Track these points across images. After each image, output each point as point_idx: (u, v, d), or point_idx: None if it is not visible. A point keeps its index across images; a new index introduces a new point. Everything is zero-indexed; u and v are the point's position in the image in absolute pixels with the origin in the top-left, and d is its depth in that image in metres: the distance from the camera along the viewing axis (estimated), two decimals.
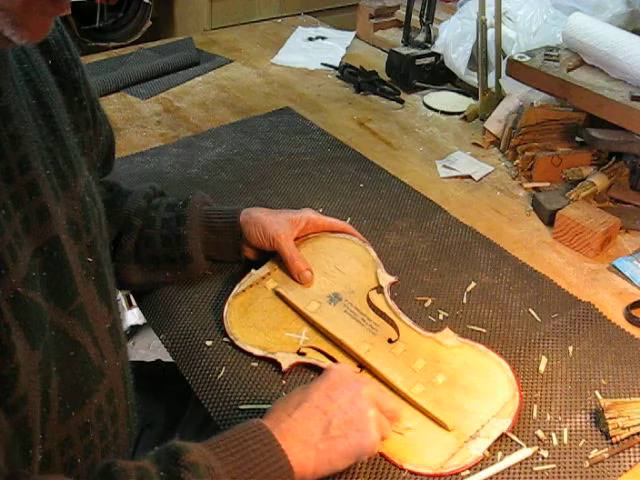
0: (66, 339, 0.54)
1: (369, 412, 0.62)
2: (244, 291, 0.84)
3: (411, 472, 0.66)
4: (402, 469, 0.66)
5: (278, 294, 0.83)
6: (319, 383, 0.64)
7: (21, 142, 0.52)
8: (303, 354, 0.77)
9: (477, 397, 0.71)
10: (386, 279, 0.85)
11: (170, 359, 0.83)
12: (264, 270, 0.86)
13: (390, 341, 0.77)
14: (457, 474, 0.66)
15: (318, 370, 0.76)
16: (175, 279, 0.88)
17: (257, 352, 0.77)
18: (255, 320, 0.81)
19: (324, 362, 0.75)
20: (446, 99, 1.44)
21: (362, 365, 0.75)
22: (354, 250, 0.89)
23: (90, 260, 0.59)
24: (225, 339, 0.81)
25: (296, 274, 0.84)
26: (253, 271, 0.86)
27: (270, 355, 0.77)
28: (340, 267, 0.87)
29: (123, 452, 0.64)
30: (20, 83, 0.56)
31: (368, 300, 0.82)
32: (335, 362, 0.75)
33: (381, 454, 0.67)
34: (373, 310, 0.81)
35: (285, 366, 0.75)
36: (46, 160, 0.55)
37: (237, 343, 0.79)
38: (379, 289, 0.83)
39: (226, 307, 0.82)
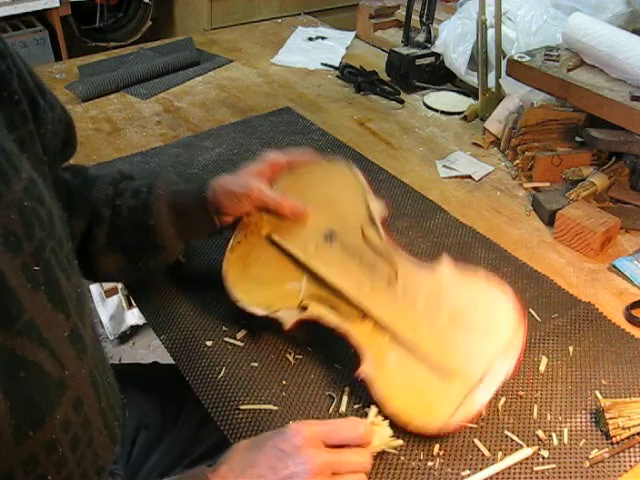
0: (14, 361, 0.51)
1: None
2: (239, 242, 0.81)
3: (418, 433, 0.67)
4: (409, 430, 0.68)
5: (273, 241, 0.80)
6: (272, 445, 0.62)
7: None
8: (305, 308, 0.75)
9: (481, 335, 0.69)
10: (378, 209, 0.78)
11: (167, 361, 0.83)
12: (256, 215, 0.82)
13: (390, 280, 0.75)
14: (460, 429, 0.67)
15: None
16: (149, 268, 0.85)
17: (260, 312, 0.76)
18: (255, 274, 0.79)
19: (326, 316, 0.74)
20: (446, 99, 1.44)
21: (364, 312, 0.74)
22: (342, 177, 0.82)
23: (37, 269, 0.54)
24: (225, 339, 0.81)
25: (289, 214, 0.80)
26: (245, 218, 0.81)
27: (273, 315, 0.75)
28: (331, 200, 0.81)
29: (105, 454, 0.61)
30: None
31: (364, 235, 0.78)
32: (338, 313, 0.74)
33: (388, 415, 0.68)
34: (369, 246, 0.78)
35: (288, 324, 0.74)
36: None
37: (240, 304, 0.77)
38: (372, 221, 0.78)
39: (224, 265, 0.79)
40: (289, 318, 0.74)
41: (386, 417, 0.68)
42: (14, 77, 0.61)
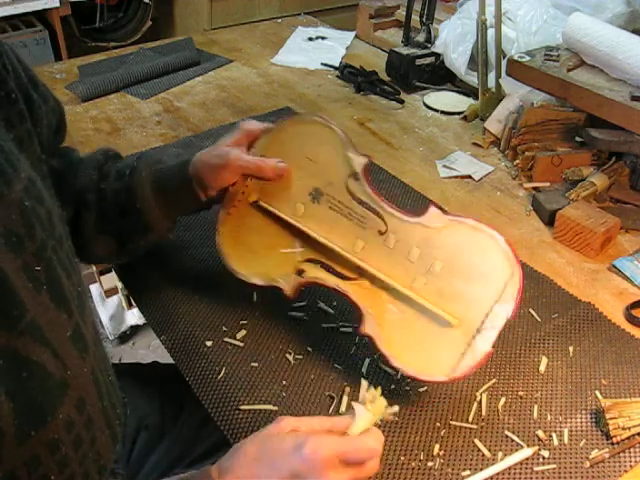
0: (17, 361, 0.51)
1: None
2: (229, 214, 0.81)
3: (425, 381, 0.69)
4: (416, 379, 0.69)
5: (261, 208, 0.80)
6: (288, 467, 0.57)
7: None
8: (302, 271, 0.76)
9: (477, 281, 0.69)
10: (359, 162, 0.77)
11: (167, 360, 0.83)
12: (241, 184, 0.81)
13: (380, 233, 0.75)
14: (469, 375, 0.68)
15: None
16: (140, 248, 0.86)
17: (259, 282, 0.77)
18: (249, 244, 0.79)
19: (324, 279, 0.74)
20: (446, 99, 1.44)
21: (360, 269, 0.74)
22: (320, 133, 0.80)
23: (38, 269, 0.54)
24: (225, 339, 0.81)
25: (272, 174, 0.78)
26: (230, 188, 0.81)
27: (272, 283, 0.76)
28: (311, 156, 0.79)
29: (107, 454, 0.61)
30: None
31: (348, 191, 0.77)
32: (334, 273, 0.74)
33: (395, 368, 0.70)
34: (356, 201, 0.77)
35: (288, 291, 0.75)
36: None
37: (239, 276, 0.78)
38: (356, 175, 0.77)
39: (218, 238, 0.80)
40: (289, 284, 0.75)
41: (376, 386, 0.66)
42: (10, 75, 0.61)
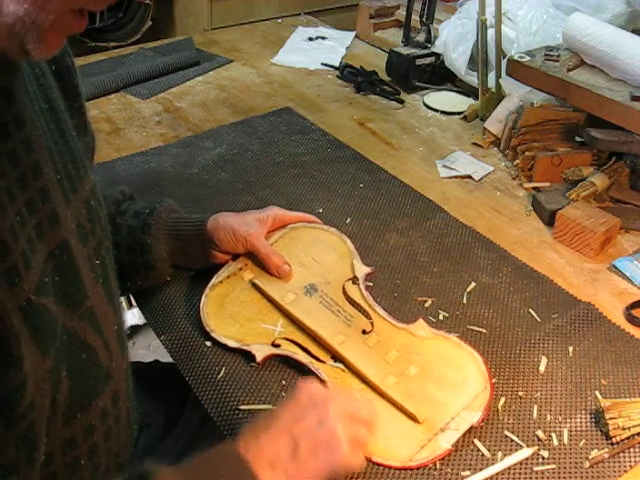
0: (77, 342, 0.55)
1: (337, 430, 0.60)
2: (221, 282, 0.85)
3: (378, 464, 0.66)
4: (370, 461, 0.66)
5: (255, 285, 0.84)
6: (286, 404, 0.63)
7: (33, 148, 0.52)
8: (278, 346, 0.77)
9: (448, 389, 0.72)
10: (362, 270, 0.85)
11: (168, 359, 0.83)
12: (242, 261, 0.87)
13: (364, 332, 0.78)
14: (425, 467, 0.66)
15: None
16: (136, 289, 0.88)
17: (232, 344, 0.78)
18: (231, 311, 0.82)
19: (298, 354, 0.76)
20: (446, 99, 1.44)
21: (336, 357, 0.76)
22: (331, 241, 0.90)
23: (97, 262, 0.60)
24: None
25: (274, 270, 0.84)
26: (231, 262, 0.87)
27: (245, 347, 0.77)
28: (317, 258, 0.87)
29: (124, 453, 0.64)
30: (33, 88, 0.56)
31: (344, 291, 0.83)
32: (309, 354, 0.76)
33: None
34: (348, 301, 0.82)
35: (259, 358, 0.76)
36: (58, 165, 0.55)
37: (213, 335, 0.79)
38: (355, 280, 0.84)
39: (203, 298, 0.83)
40: (261, 352, 0.76)
41: None
42: (81, 92, 0.67)
